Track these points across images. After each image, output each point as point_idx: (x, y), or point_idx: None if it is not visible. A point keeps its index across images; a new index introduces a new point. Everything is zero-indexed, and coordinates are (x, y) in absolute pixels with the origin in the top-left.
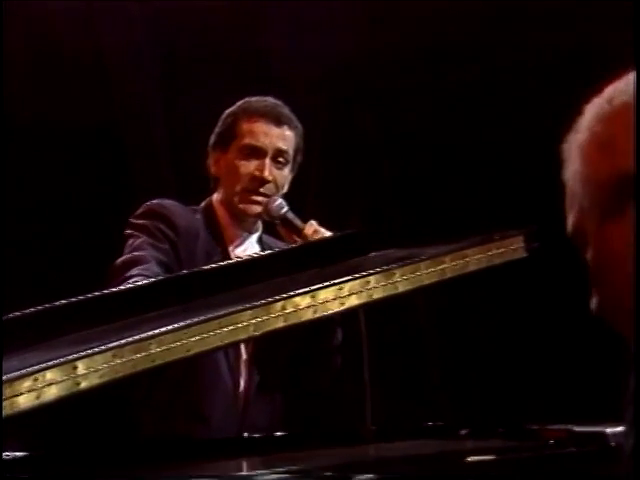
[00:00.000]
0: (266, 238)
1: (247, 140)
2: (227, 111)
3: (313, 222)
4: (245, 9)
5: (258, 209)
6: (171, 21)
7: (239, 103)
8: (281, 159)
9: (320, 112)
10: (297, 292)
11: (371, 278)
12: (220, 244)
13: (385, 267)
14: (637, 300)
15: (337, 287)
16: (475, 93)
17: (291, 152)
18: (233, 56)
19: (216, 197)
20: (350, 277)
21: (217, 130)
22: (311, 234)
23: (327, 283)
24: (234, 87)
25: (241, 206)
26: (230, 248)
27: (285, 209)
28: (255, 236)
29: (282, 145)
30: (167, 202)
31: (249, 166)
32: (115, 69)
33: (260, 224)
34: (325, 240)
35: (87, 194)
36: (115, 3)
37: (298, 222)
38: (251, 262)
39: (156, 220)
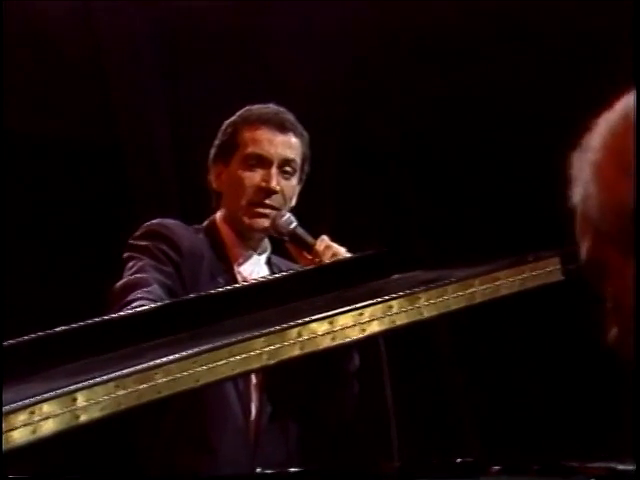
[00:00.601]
0: (275, 259)
1: (250, 149)
2: (226, 121)
3: (325, 237)
4: (253, 18)
5: (265, 223)
6: (173, 26)
7: (239, 112)
8: (288, 168)
9: (335, 120)
10: (314, 318)
11: (394, 303)
12: (225, 265)
13: (409, 291)
14: (637, 300)
15: (357, 312)
16: (502, 103)
17: (298, 161)
18: (240, 64)
19: (219, 215)
20: (371, 301)
21: (217, 142)
22: (323, 250)
23: (346, 308)
24: (241, 95)
25: (247, 221)
26: (236, 269)
27: (294, 224)
28: (263, 257)
29: (288, 153)
30: (168, 222)
31: (254, 177)
32: (115, 76)
33: (268, 243)
34: (344, 261)
35: (84, 212)
36: (115, 5)
37: (308, 238)
38: (264, 285)
39: (158, 241)
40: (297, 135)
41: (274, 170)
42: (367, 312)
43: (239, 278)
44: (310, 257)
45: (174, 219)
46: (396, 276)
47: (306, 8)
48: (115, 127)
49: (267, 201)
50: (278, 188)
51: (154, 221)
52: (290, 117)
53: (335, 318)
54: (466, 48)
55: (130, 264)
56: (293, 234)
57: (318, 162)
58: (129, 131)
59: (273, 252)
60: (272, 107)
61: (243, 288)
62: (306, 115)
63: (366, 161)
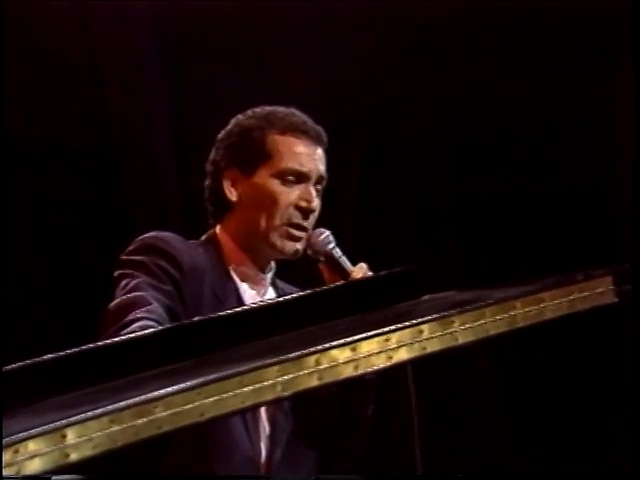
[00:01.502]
0: (279, 282)
1: (289, 163)
2: (243, 120)
3: (364, 265)
4: (261, 17)
5: (298, 246)
6: (175, 26)
7: (259, 112)
8: (320, 187)
9: (360, 126)
10: (334, 344)
11: (424, 327)
12: (229, 285)
13: (442, 313)
14: (637, 300)
15: (383, 337)
16: (543, 106)
17: (326, 176)
18: (246, 65)
19: (221, 228)
20: (399, 325)
21: (232, 144)
22: (362, 274)
23: (371, 333)
24: (247, 98)
25: (278, 242)
26: (241, 289)
27: (332, 244)
28: (269, 277)
29: (323, 170)
30: (166, 234)
31: (291, 194)
32: (113, 80)
33: (273, 264)
34: (368, 280)
35: (79, 224)
36: (113, 5)
37: (346, 263)
38: (277, 306)
39: (155, 256)
40: (324, 148)
41: (311, 187)
42: (394, 337)
43: (245, 299)
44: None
45: (172, 232)
46: (427, 297)
47: (318, 6)
48: (112, 131)
49: (305, 223)
50: (318, 209)
51: (150, 234)
52: (319, 127)
53: (358, 344)
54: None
55: (124, 282)
56: (330, 256)
57: (341, 169)
58: (128, 136)
59: (277, 275)
60: (298, 113)
61: (254, 310)
62: (326, 117)
63: (394, 167)
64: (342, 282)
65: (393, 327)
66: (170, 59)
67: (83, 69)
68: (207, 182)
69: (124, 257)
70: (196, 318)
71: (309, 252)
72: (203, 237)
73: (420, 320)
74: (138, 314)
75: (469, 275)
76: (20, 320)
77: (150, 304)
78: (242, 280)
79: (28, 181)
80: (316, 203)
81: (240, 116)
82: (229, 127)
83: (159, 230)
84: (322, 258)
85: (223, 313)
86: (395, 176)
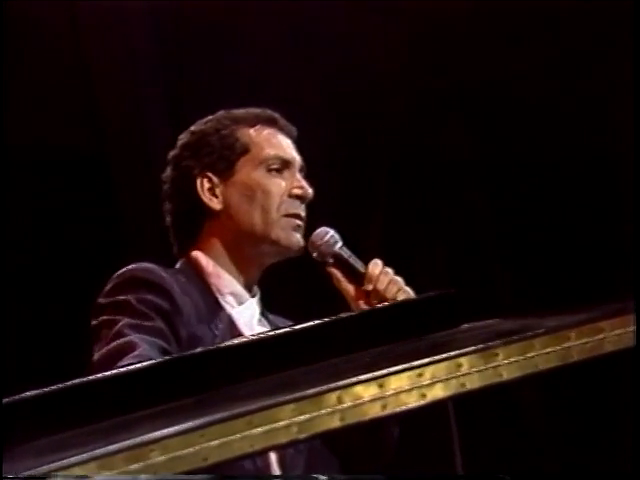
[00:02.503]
0: (267, 313)
1: (270, 151)
2: (204, 125)
3: (378, 262)
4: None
5: (301, 240)
6: (173, 28)
7: (218, 115)
8: (302, 176)
9: (384, 131)
10: (359, 379)
11: (463, 360)
12: (222, 315)
13: (484, 345)
14: (637, 303)
15: (416, 372)
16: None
17: None
18: (253, 65)
19: (197, 251)
20: (434, 358)
21: (202, 148)
22: (377, 277)
23: (401, 367)
24: (253, 98)
25: (283, 236)
26: (235, 316)
27: (340, 243)
28: (256, 300)
29: (300, 160)
30: (147, 265)
31: (281, 183)
32: (104, 80)
33: (257, 288)
34: (398, 306)
35: (68, 236)
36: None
37: (357, 263)
38: (291, 335)
39: (139, 290)
40: (295, 141)
41: (299, 175)
42: (428, 372)
43: (240, 326)
44: (361, 288)
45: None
46: (466, 326)
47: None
48: (105, 136)
49: (302, 213)
50: (312, 195)
51: (128, 267)
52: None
53: (386, 379)
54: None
55: (104, 331)
56: (339, 256)
57: (365, 178)
58: (122, 141)
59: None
60: (259, 109)
61: (263, 340)
62: (341, 120)
63: (425, 176)
64: (368, 308)
65: (427, 360)
66: (168, 58)
67: (72, 69)
68: (170, 204)
69: (102, 300)
70: (197, 349)
71: (314, 255)
72: (178, 265)
73: (458, 352)
74: (129, 360)
75: (515, 300)
76: (13, 327)
77: (138, 347)
78: (232, 306)
79: (14, 189)
80: (310, 190)
81: (195, 125)
82: (188, 137)
83: (143, 260)
84: (330, 260)
85: (228, 344)
86: (428, 186)
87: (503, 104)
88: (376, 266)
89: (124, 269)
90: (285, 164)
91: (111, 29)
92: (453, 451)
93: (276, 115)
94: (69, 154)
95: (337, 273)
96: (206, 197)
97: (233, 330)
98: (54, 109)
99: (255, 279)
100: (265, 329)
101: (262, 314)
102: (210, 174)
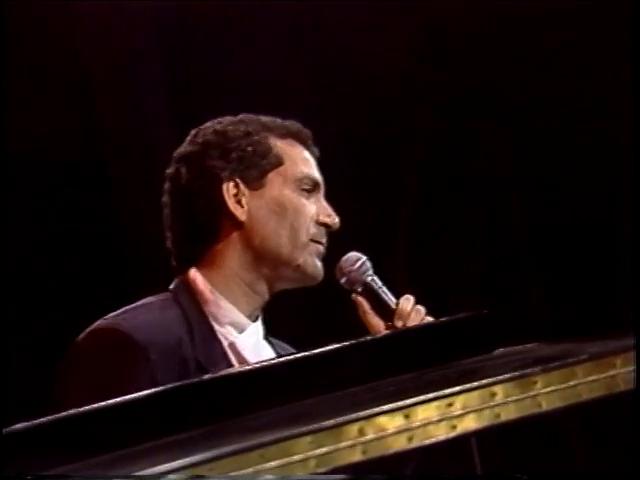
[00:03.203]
0: (271, 338)
1: (305, 170)
2: (233, 124)
3: (410, 297)
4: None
5: (322, 271)
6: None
7: (247, 117)
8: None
9: (413, 134)
10: (382, 409)
11: (498, 389)
12: (216, 347)
13: (521, 372)
14: (637, 301)
15: (445, 402)
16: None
17: None
18: (264, 67)
19: (197, 272)
20: (465, 386)
21: (232, 150)
22: (408, 314)
23: (429, 395)
24: (265, 102)
25: (309, 261)
26: (236, 344)
27: (370, 272)
28: (259, 324)
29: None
30: (121, 319)
31: (311, 207)
32: (104, 86)
33: (260, 315)
34: (425, 329)
35: (64, 254)
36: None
37: (388, 295)
38: (307, 361)
39: (114, 354)
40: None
41: (324, 201)
42: (459, 401)
43: (245, 355)
44: (389, 324)
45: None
46: (501, 351)
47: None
48: (104, 146)
49: (324, 240)
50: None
51: (100, 323)
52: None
53: (413, 409)
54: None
55: (77, 396)
56: (369, 286)
57: (390, 190)
58: (122, 151)
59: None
60: (291, 121)
61: (276, 366)
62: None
63: (458, 184)
64: (391, 331)
65: (457, 389)
66: (173, 60)
67: (70, 75)
68: (179, 207)
69: (68, 365)
70: (205, 376)
71: (342, 282)
72: (172, 285)
73: (492, 380)
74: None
75: (555, 323)
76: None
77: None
78: (231, 335)
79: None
80: (338, 219)
81: (218, 124)
82: (211, 135)
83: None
84: (359, 289)
85: (240, 369)
86: (460, 195)
87: (543, 108)
88: (408, 302)
89: (94, 328)
90: (315, 186)
91: (111, 30)
92: (471, 451)
93: (306, 131)
94: (67, 163)
95: (365, 304)
96: (232, 205)
97: (230, 362)
98: (52, 116)
99: (261, 305)
100: (272, 355)
101: (265, 338)
102: (238, 180)
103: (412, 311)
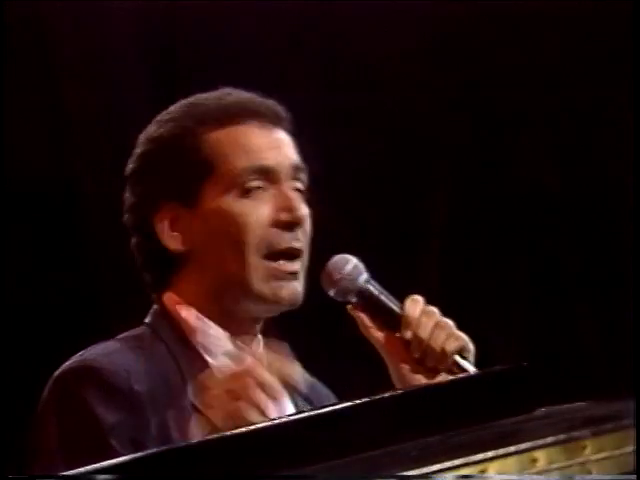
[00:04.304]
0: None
1: (244, 163)
2: (159, 129)
3: (418, 298)
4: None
5: (299, 287)
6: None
7: (178, 109)
8: (300, 184)
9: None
10: (403, 474)
11: (540, 454)
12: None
13: (567, 435)
14: (637, 305)
15: (477, 468)
16: None
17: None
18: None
19: (172, 296)
20: (501, 451)
21: (156, 168)
22: (418, 321)
23: (458, 462)
24: None
25: (267, 290)
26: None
27: (366, 276)
28: (259, 341)
29: (297, 158)
30: (94, 360)
31: (261, 208)
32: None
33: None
34: (455, 383)
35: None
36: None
37: (391, 301)
38: (309, 421)
39: (86, 397)
40: (290, 130)
41: (287, 187)
42: (493, 468)
43: None
44: (397, 335)
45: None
46: (543, 410)
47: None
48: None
49: (296, 244)
50: (305, 214)
51: (73, 361)
52: (273, 102)
53: (439, 478)
54: None
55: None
56: (365, 294)
57: (418, 210)
58: (97, 176)
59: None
60: (236, 91)
61: (272, 428)
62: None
63: (494, 208)
64: (413, 386)
65: (491, 454)
66: (159, 71)
67: (38, 81)
68: (133, 238)
69: (43, 410)
70: (196, 439)
71: (331, 293)
72: (148, 317)
73: (533, 444)
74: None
75: (609, 375)
76: None
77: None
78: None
79: None
80: (303, 209)
81: (152, 125)
82: (146, 144)
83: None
84: (353, 299)
85: (233, 432)
86: (497, 221)
87: (591, 116)
88: (415, 304)
89: (67, 367)
90: (267, 175)
91: (86, 34)
92: None
93: (255, 100)
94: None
95: (364, 317)
96: (165, 235)
97: None
98: (14, 135)
99: (255, 332)
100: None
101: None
102: (170, 203)
103: (422, 315)
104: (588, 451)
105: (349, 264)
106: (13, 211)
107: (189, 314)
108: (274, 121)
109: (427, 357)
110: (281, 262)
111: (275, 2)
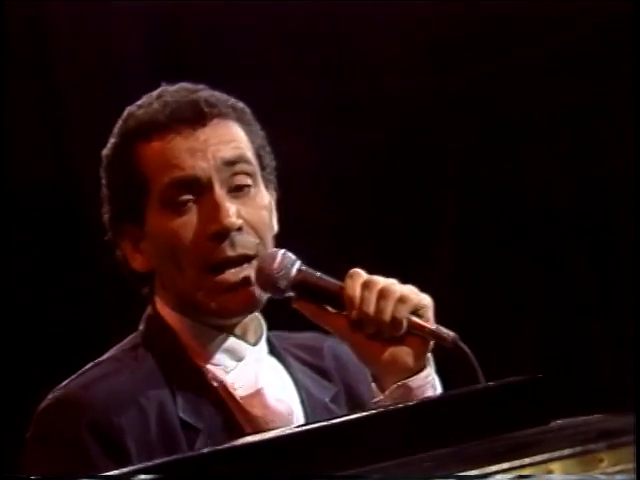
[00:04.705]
0: (279, 337)
1: (165, 177)
2: (111, 140)
3: (356, 271)
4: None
5: (242, 297)
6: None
7: (124, 115)
8: (240, 177)
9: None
10: None
11: (555, 466)
12: (203, 391)
13: (582, 447)
14: (636, 303)
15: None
16: None
17: (250, 155)
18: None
19: (161, 300)
20: (515, 464)
21: (110, 187)
22: (361, 297)
23: (472, 473)
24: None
25: (214, 305)
26: (230, 388)
27: (298, 264)
28: (262, 345)
29: (227, 150)
30: (78, 388)
31: (189, 222)
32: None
33: (260, 319)
34: (469, 394)
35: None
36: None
37: (329, 281)
38: (324, 432)
39: (69, 435)
40: (231, 116)
41: (218, 191)
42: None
43: (237, 398)
44: (344, 313)
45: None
46: (559, 422)
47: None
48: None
49: (231, 253)
50: (239, 221)
51: (56, 393)
52: (207, 93)
53: None
54: None
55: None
56: (302, 282)
57: (426, 227)
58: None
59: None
60: (169, 92)
61: (278, 440)
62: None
63: (505, 227)
64: (425, 398)
65: (506, 465)
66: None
67: (38, 86)
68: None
69: (31, 441)
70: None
71: (268, 292)
72: (142, 323)
73: (548, 456)
74: None
75: (625, 387)
76: None
77: None
78: (217, 375)
79: None
80: (231, 217)
81: (112, 134)
82: (103, 162)
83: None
84: (291, 294)
85: (224, 447)
86: (508, 239)
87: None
88: (354, 281)
89: (49, 401)
90: (192, 187)
91: (88, 37)
92: None
93: (181, 100)
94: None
95: (310, 306)
96: (130, 256)
97: (227, 410)
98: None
99: (248, 324)
100: (282, 382)
101: (271, 350)
102: (127, 224)
103: (364, 290)
104: (604, 464)
105: (277, 257)
106: (16, 214)
107: (173, 318)
108: (197, 118)
109: (382, 330)
110: (227, 272)
111: (275, 2)
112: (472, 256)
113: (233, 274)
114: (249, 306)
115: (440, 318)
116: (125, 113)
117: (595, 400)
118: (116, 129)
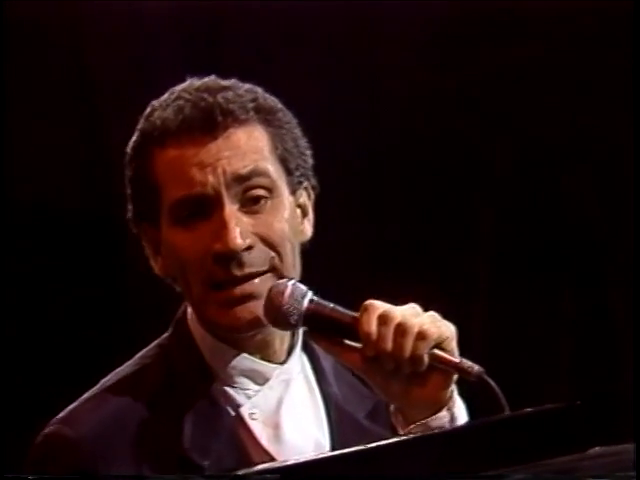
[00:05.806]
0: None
1: (175, 192)
2: (132, 139)
3: (370, 304)
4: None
5: (247, 314)
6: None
7: (144, 114)
8: (254, 192)
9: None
10: None
11: None
12: (217, 422)
13: (622, 474)
14: (637, 302)
15: None
16: None
17: (268, 166)
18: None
19: (187, 308)
20: None
21: (129, 186)
22: (377, 333)
23: None
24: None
25: (224, 320)
26: (244, 417)
27: (310, 295)
28: (294, 363)
29: (240, 163)
30: (66, 421)
31: (200, 240)
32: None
33: (295, 335)
34: (502, 421)
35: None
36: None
37: (343, 312)
38: (354, 458)
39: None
40: (251, 120)
41: (227, 209)
42: None
43: (251, 428)
44: (359, 346)
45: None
46: (597, 449)
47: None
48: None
49: (237, 273)
50: (247, 242)
51: (46, 432)
52: (228, 94)
53: None
54: None
55: None
56: (313, 315)
57: (462, 246)
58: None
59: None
60: (189, 88)
61: (302, 467)
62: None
63: (540, 246)
64: (463, 424)
65: None
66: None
67: (73, 90)
68: None
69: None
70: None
71: (278, 328)
72: (169, 330)
73: None
74: None
75: None
76: None
77: None
78: (248, 390)
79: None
80: (236, 239)
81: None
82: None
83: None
84: (303, 326)
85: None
86: (543, 259)
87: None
88: (369, 315)
89: (44, 434)
90: (201, 204)
91: (122, 38)
92: None
93: (197, 105)
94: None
95: (324, 341)
96: (152, 258)
97: (240, 447)
98: (46, 147)
99: (274, 346)
100: (310, 404)
101: (310, 358)
102: (145, 225)
103: (380, 326)
104: None
105: (287, 289)
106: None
107: (196, 330)
108: (212, 130)
109: (401, 367)
110: (232, 288)
111: (276, 2)
112: (510, 282)
113: (238, 290)
114: (257, 320)
115: (473, 348)
116: (147, 109)
117: (632, 428)
118: (139, 125)
